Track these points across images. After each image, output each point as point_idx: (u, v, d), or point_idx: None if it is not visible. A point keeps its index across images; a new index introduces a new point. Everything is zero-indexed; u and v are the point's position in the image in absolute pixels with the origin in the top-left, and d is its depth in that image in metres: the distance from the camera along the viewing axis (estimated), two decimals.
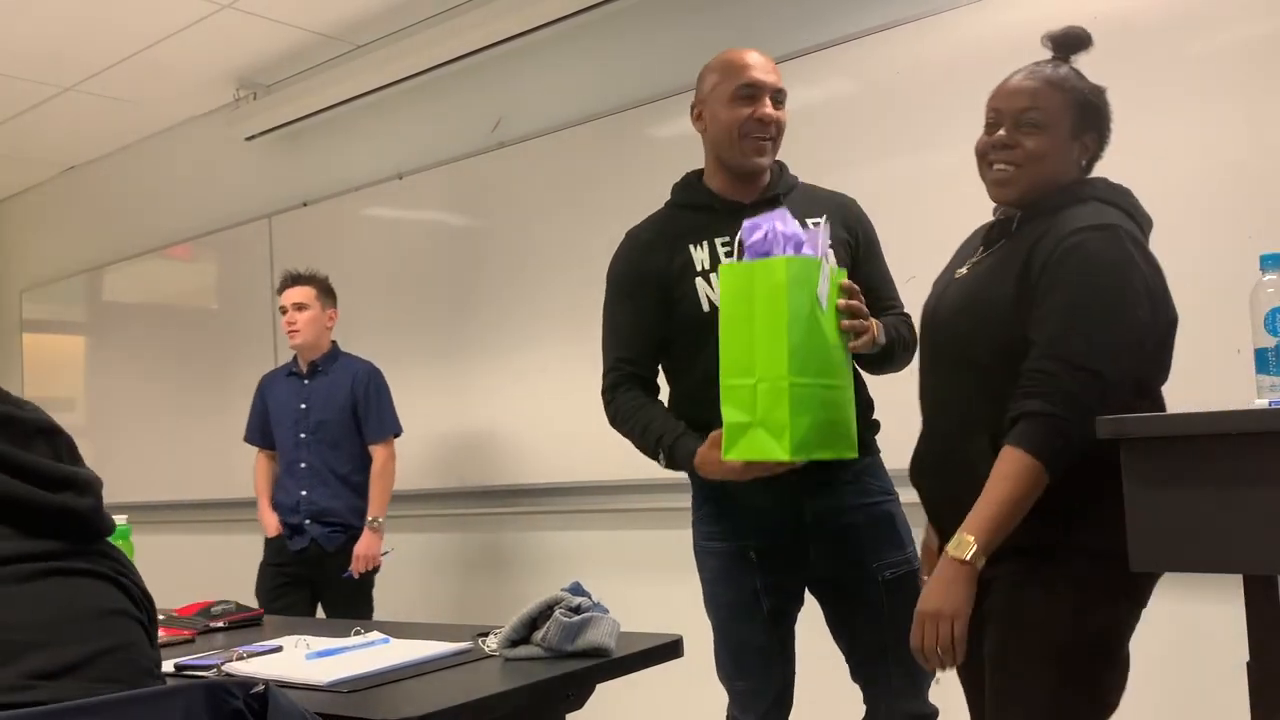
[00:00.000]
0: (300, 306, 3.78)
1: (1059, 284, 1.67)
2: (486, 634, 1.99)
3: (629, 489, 3.58)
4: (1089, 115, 1.80)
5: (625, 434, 2.20)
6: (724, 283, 1.97)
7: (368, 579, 3.75)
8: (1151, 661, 2.62)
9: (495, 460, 4.02)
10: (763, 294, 1.88)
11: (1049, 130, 1.76)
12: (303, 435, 3.78)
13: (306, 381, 3.84)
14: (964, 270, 1.86)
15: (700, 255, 2.17)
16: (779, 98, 2.18)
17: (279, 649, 2.04)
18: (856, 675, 2.23)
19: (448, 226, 4.26)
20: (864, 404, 2.14)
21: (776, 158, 2.26)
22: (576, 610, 1.84)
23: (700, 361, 2.06)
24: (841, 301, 1.97)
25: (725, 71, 2.18)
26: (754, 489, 2.01)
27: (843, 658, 2.25)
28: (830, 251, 2.01)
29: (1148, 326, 1.68)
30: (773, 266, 1.88)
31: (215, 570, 3.95)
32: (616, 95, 3.76)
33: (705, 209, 2.22)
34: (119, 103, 4.97)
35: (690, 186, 2.30)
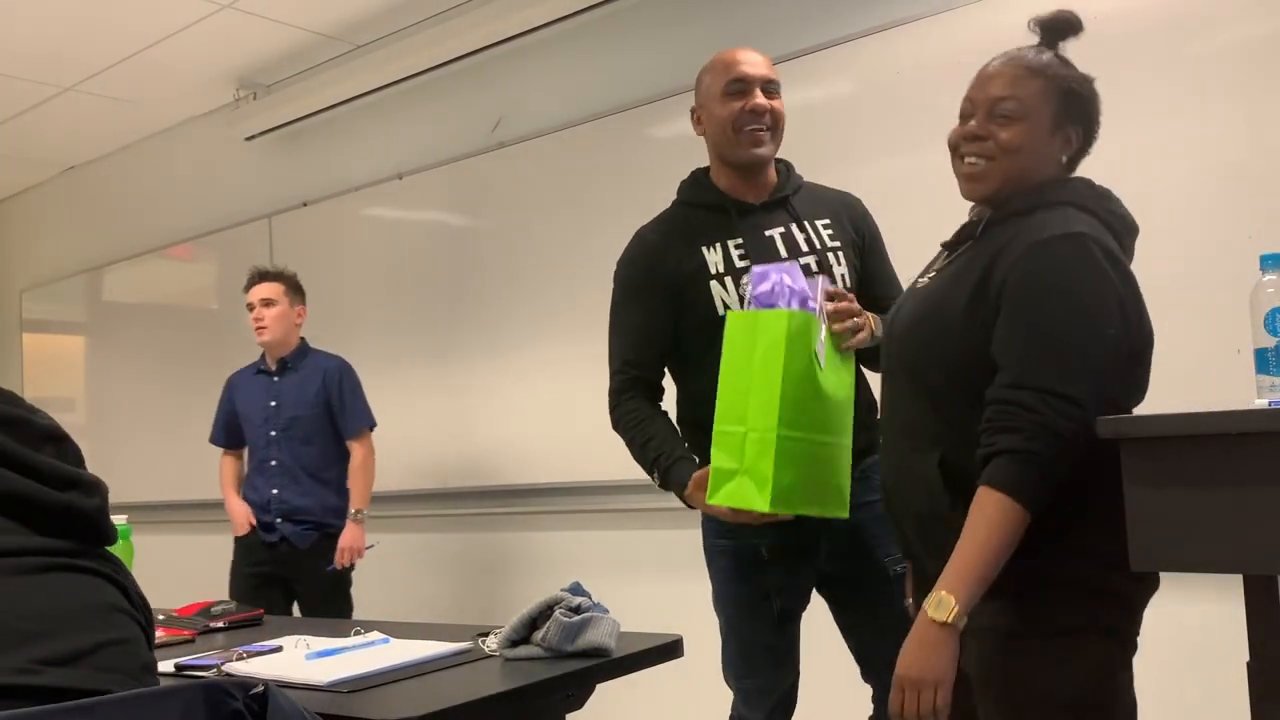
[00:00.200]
0: (268, 303, 3.73)
1: (1023, 301, 1.55)
2: (486, 634, 1.99)
3: (629, 489, 3.58)
4: (1072, 106, 1.65)
5: (625, 442, 2.20)
6: (729, 329, 1.96)
7: (345, 577, 3.72)
8: (1151, 661, 2.63)
9: (495, 460, 4.02)
10: (763, 345, 1.89)
11: (1025, 121, 1.62)
12: (273, 433, 3.73)
13: (276, 379, 3.78)
14: (925, 279, 1.75)
15: (714, 258, 2.16)
16: (770, 88, 2.18)
17: (279, 649, 2.04)
18: (868, 675, 2.23)
19: (448, 226, 4.26)
20: (867, 404, 2.14)
21: (782, 157, 2.26)
22: (576, 610, 1.84)
23: (712, 364, 2.06)
24: (830, 305, 1.97)
25: (715, 71, 2.20)
26: None
27: (845, 659, 2.25)
28: (825, 304, 1.99)
29: (1119, 342, 1.55)
30: (775, 319, 1.88)
31: (215, 570, 3.94)
32: (616, 95, 3.76)
33: (716, 209, 2.21)
34: (119, 103, 4.97)
35: (699, 184, 2.28)
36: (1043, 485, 1.48)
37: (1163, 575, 1.56)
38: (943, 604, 1.50)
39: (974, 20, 2.95)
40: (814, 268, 2.15)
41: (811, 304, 1.93)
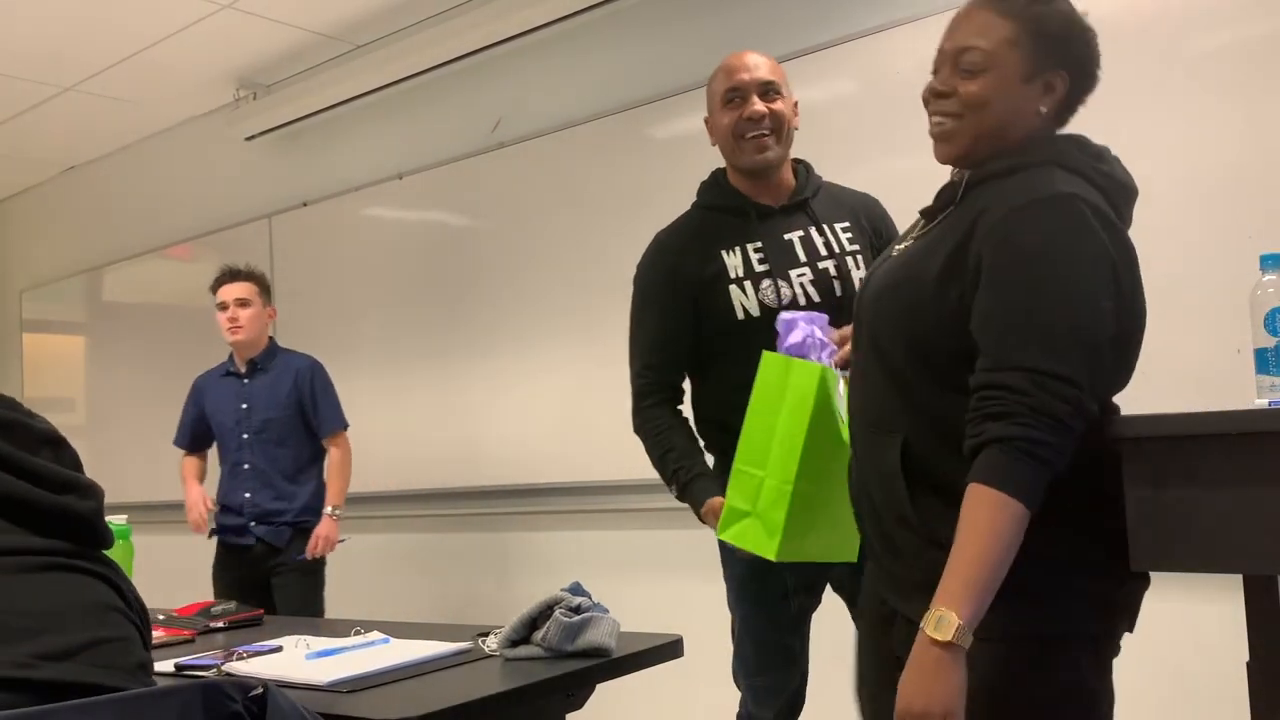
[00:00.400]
0: (243, 303, 3.67)
1: (1004, 272, 1.38)
2: (486, 634, 1.99)
3: (629, 489, 3.58)
4: (1051, 48, 1.46)
5: (645, 448, 2.22)
6: (762, 367, 1.96)
7: (318, 579, 3.66)
8: (1151, 661, 2.63)
9: (495, 460, 4.02)
10: (793, 395, 1.88)
11: (992, 71, 1.46)
12: (245, 436, 3.67)
13: (246, 381, 3.72)
14: (902, 245, 1.59)
15: (733, 262, 2.16)
16: (769, 91, 2.18)
17: (279, 649, 2.04)
18: None
19: (448, 226, 4.26)
20: None
21: (797, 156, 2.27)
22: (576, 610, 1.84)
23: (730, 367, 2.07)
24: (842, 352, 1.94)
25: (717, 79, 2.23)
26: None
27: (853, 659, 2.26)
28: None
29: (1115, 317, 1.39)
30: (808, 372, 1.87)
31: None
32: (616, 95, 3.76)
33: (735, 212, 2.22)
34: (119, 103, 4.97)
35: (718, 187, 2.29)
36: (1040, 476, 1.33)
37: (1163, 575, 1.56)
38: (943, 622, 1.31)
39: None
40: (833, 272, 2.16)
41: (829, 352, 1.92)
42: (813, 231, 2.20)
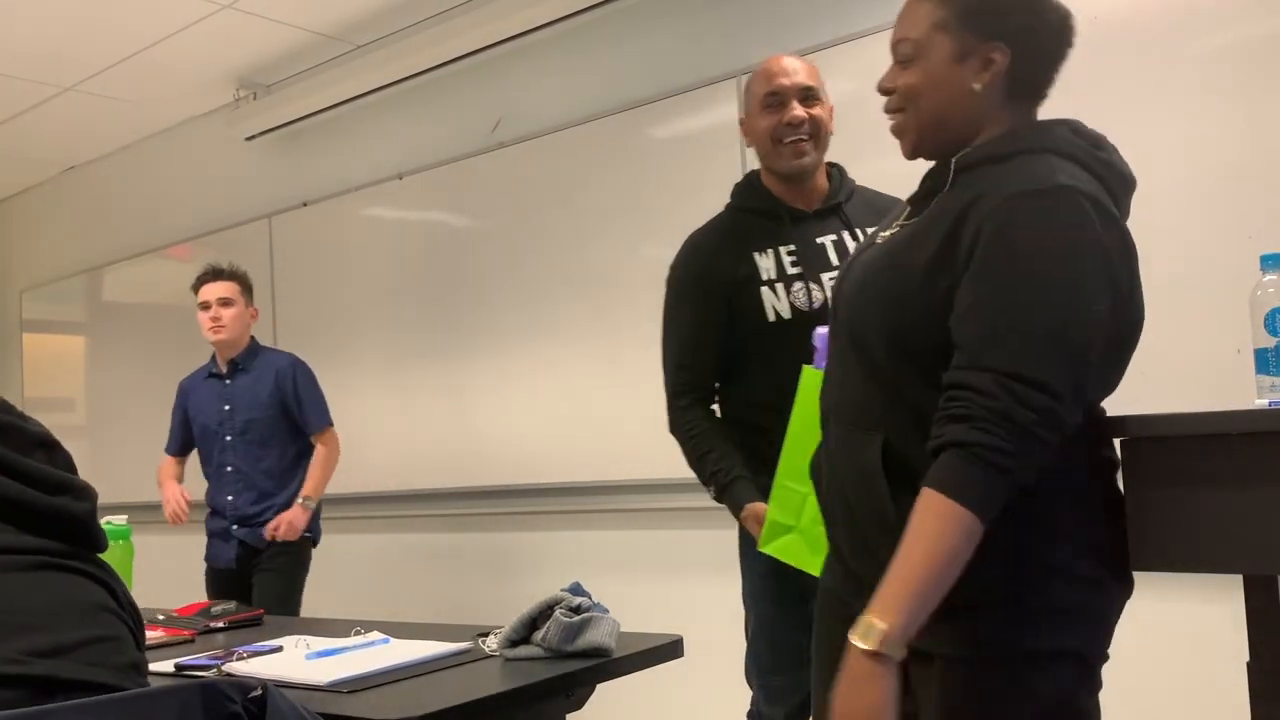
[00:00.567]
0: (226, 302, 3.61)
1: (990, 266, 1.29)
2: (486, 634, 1.99)
3: (629, 489, 3.58)
4: (983, 23, 1.39)
5: (683, 450, 2.23)
6: (803, 383, 1.97)
7: (294, 580, 3.59)
8: (1152, 661, 2.63)
9: (495, 460, 4.02)
10: None
11: (921, 59, 1.43)
12: (228, 438, 3.63)
13: (228, 381, 3.67)
14: (886, 233, 1.51)
15: (765, 264, 2.18)
16: (809, 96, 2.19)
17: (279, 649, 2.04)
18: None
19: (448, 226, 4.26)
20: None
21: (831, 160, 2.28)
22: (576, 610, 1.84)
23: (761, 369, 2.07)
24: None
25: (756, 82, 2.23)
26: None
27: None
28: None
29: (1109, 321, 1.31)
30: None
31: None
32: (616, 95, 3.76)
33: (769, 215, 2.23)
34: (119, 103, 4.97)
35: (752, 188, 2.30)
36: (997, 486, 1.24)
37: (1163, 575, 1.56)
38: (870, 631, 1.24)
39: None
40: None
41: None
42: (845, 235, 2.22)
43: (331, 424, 3.69)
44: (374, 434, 4.38)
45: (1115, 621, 1.41)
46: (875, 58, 3.11)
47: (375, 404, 4.39)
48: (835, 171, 2.29)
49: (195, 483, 3.78)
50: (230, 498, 3.60)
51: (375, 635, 2.06)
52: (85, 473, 1.16)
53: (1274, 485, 1.36)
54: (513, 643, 1.86)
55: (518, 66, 4.06)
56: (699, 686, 2.61)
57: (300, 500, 3.56)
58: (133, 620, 1.13)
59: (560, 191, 3.87)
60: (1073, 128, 1.44)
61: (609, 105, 3.76)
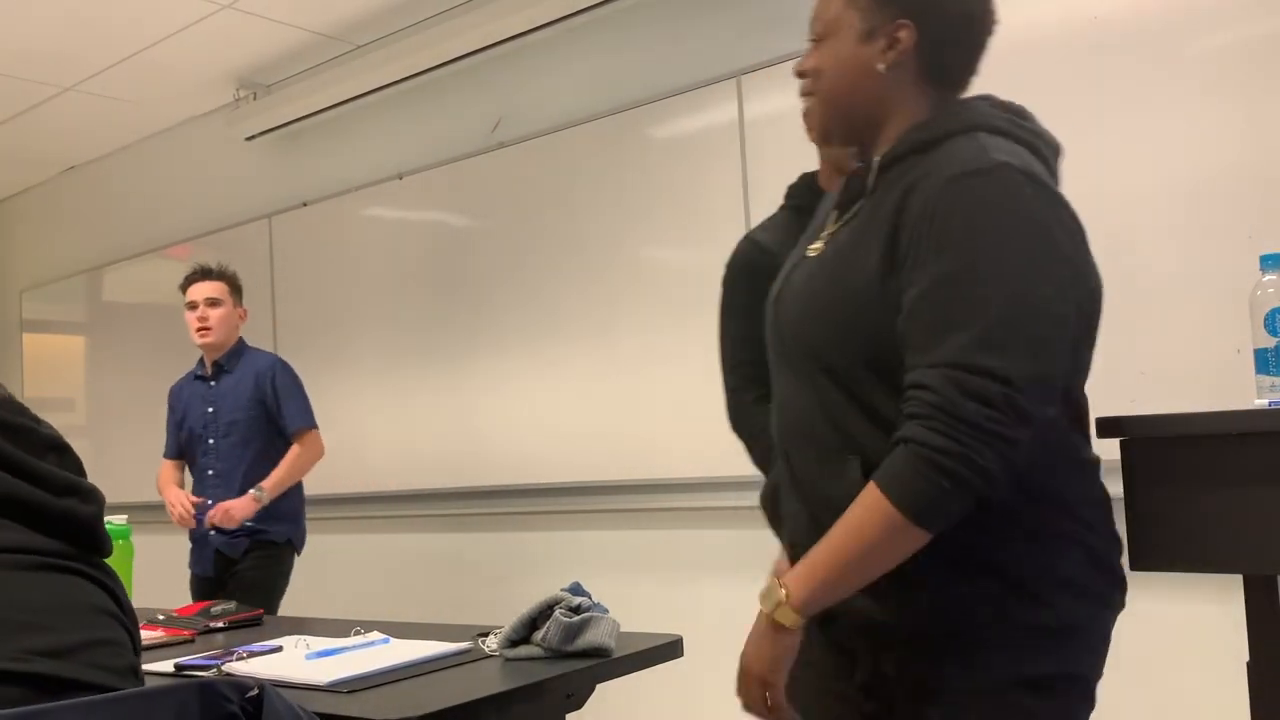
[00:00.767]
0: (214, 302, 3.54)
1: (931, 254, 1.20)
2: (486, 634, 1.99)
3: (629, 489, 3.58)
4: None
5: (744, 445, 2.23)
6: None
7: (276, 591, 3.47)
8: (1152, 661, 2.63)
9: (495, 460, 4.02)
10: None
11: (830, 38, 1.37)
12: (211, 440, 3.56)
13: (212, 383, 3.61)
14: (817, 244, 1.41)
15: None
16: None
17: (279, 649, 2.04)
18: None
19: (448, 226, 4.26)
20: None
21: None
22: (576, 610, 1.84)
23: None
24: None
25: None
26: None
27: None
28: None
29: (1070, 299, 1.22)
30: None
31: None
32: (616, 95, 3.76)
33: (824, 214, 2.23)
34: (119, 103, 4.97)
35: (808, 188, 2.30)
36: (938, 490, 1.16)
37: (1163, 575, 1.56)
38: (769, 595, 1.25)
39: None
40: None
41: None
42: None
43: (313, 426, 3.59)
44: (374, 434, 4.38)
45: (1109, 629, 1.34)
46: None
47: (375, 404, 4.39)
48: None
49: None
50: (210, 501, 3.50)
51: (375, 635, 2.06)
52: (87, 478, 1.17)
53: (1274, 485, 1.36)
54: (513, 643, 1.86)
55: (518, 66, 4.06)
56: (699, 686, 2.61)
57: (252, 490, 3.43)
58: (132, 625, 1.13)
59: (560, 191, 3.87)
60: (991, 101, 1.37)
61: (609, 105, 3.76)
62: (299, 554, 3.61)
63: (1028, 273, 1.18)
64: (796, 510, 1.39)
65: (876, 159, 1.35)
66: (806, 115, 1.42)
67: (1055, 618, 1.25)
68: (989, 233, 1.19)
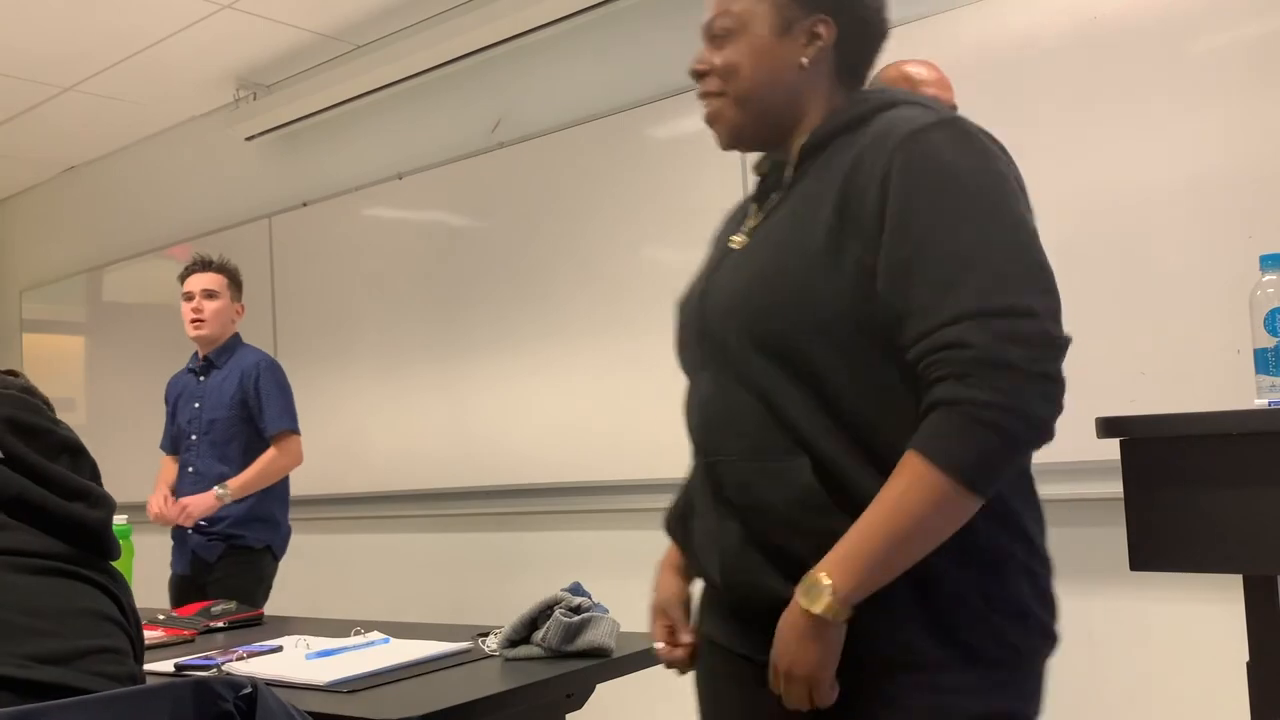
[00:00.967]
0: (210, 294, 3.44)
1: (912, 212, 1.13)
2: (486, 634, 1.99)
3: (629, 489, 3.58)
4: None
5: None
6: None
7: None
8: (1151, 661, 2.63)
9: (495, 460, 4.02)
10: None
11: (741, 33, 1.30)
12: (194, 437, 3.46)
13: (201, 379, 3.51)
14: (739, 237, 1.33)
15: None
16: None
17: (279, 649, 2.04)
18: None
19: (448, 226, 4.26)
20: None
21: None
22: (576, 610, 1.84)
23: None
24: None
25: (893, 84, 2.16)
26: None
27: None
28: None
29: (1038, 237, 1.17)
30: None
31: None
32: (616, 95, 3.76)
33: None
34: (119, 103, 4.97)
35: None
36: (989, 448, 1.07)
37: (1163, 575, 1.56)
38: (815, 591, 1.11)
39: (974, 20, 2.95)
40: None
41: None
42: None
43: (293, 430, 3.45)
44: (374, 434, 4.38)
45: (1043, 665, 1.21)
46: (877, 59, 3.10)
47: (375, 404, 4.39)
48: None
49: None
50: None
51: (375, 635, 2.06)
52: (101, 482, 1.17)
53: (1274, 485, 1.36)
54: (513, 643, 1.86)
55: (518, 66, 4.06)
56: None
57: (216, 488, 3.31)
58: (135, 632, 1.13)
59: (560, 191, 3.87)
60: (885, 88, 1.36)
61: (609, 105, 3.76)
62: (279, 559, 3.48)
63: (1011, 209, 1.15)
64: (721, 527, 1.26)
65: (796, 148, 1.29)
66: (715, 117, 1.33)
67: (1006, 649, 1.15)
68: (966, 176, 1.14)
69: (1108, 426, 1.49)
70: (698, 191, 3.39)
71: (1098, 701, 2.67)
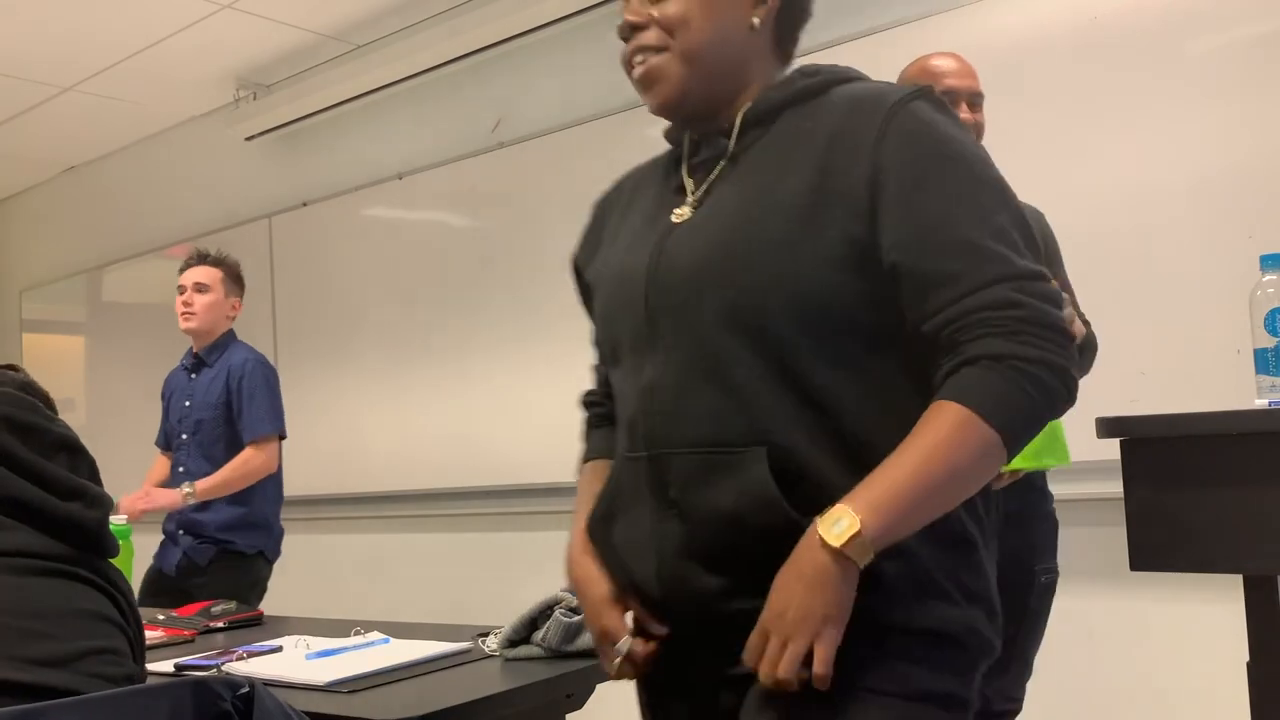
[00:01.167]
0: (201, 288, 3.35)
1: (933, 178, 1.09)
2: (486, 634, 1.99)
3: None
4: None
5: None
6: None
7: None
8: (1152, 661, 2.63)
9: (495, 460, 4.02)
10: None
11: None
12: (184, 436, 3.39)
13: (193, 376, 3.45)
14: (683, 210, 1.23)
15: None
16: (976, 102, 2.18)
17: (279, 649, 2.04)
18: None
19: (448, 226, 4.26)
20: None
21: None
22: (576, 610, 1.84)
23: None
24: None
25: (921, 80, 2.18)
26: None
27: None
28: None
29: None
30: None
31: None
32: (616, 95, 3.75)
33: None
34: (119, 103, 4.97)
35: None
36: (1035, 407, 1.04)
37: (1163, 575, 1.56)
38: (840, 524, 1.00)
39: (974, 20, 2.95)
40: None
41: None
42: None
43: (274, 435, 3.33)
44: (374, 434, 4.38)
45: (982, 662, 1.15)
46: (873, 59, 3.12)
47: (375, 404, 4.39)
48: None
49: None
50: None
51: (375, 635, 2.06)
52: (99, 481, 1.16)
53: (1274, 485, 1.36)
54: (512, 643, 1.86)
55: (518, 66, 4.06)
56: None
57: (184, 485, 3.23)
58: (135, 631, 1.13)
59: (560, 191, 3.87)
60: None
61: (609, 105, 3.76)
62: (272, 563, 3.43)
63: (1000, 180, 1.13)
64: (659, 529, 1.15)
65: (738, 116, 1.20)
66: (657, 75, 1.20)
67: (980, 633, 1.11)
68: (964, 146, 1.12)
69: (1108, 426, 1.49)
70: None
71: (1098, 701, 2.67)
